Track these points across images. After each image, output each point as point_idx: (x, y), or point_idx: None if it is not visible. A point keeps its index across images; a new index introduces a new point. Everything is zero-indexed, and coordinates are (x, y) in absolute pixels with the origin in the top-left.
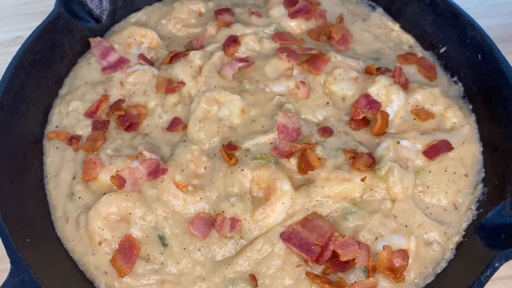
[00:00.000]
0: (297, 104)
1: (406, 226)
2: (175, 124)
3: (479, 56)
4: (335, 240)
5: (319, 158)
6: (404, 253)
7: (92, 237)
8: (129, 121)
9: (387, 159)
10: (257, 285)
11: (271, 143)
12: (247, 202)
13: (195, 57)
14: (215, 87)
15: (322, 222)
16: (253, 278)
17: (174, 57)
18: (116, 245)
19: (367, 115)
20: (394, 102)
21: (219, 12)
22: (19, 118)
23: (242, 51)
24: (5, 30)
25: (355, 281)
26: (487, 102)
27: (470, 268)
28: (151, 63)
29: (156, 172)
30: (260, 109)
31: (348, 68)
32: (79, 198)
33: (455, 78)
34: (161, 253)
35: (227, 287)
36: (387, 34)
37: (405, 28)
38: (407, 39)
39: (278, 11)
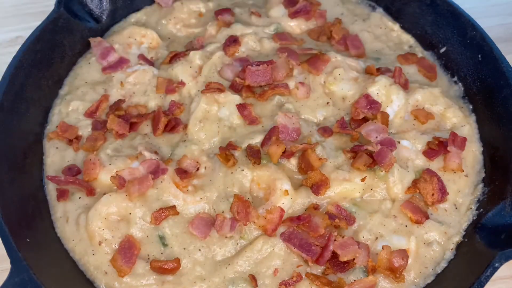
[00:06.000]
0: (297, 104)
1: (406, 226)
2: (175, 124)
3: (479, 56)
4: (335, 240)
5: (319, 158)
6: (403, 253)
7: (92, 237)
8: (129, 121)
9: None
10: (257, 285)
11: None
12: None
13: (195, 57)
14: None
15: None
16: (252, 278)
17: (174, 57)
18: (116, 245)
19: (367, 115)
20: (394, 102)
21: (219, 12)
22: (19, 118)
23: (242, 51)
24: (5, 30)
25: (354, 280)
26: (487, 102)
27: (470, 268)
28: (151, 63)
29: (156, 172)
30: (260, 109)
31: (348, 68)
32: (79, 198)
33: (455, 78)
34: (161, 253)
35: (227, 287)
36: (387, 34)
37: (405, 28)
38: (407, 39)
39: (278, 11)
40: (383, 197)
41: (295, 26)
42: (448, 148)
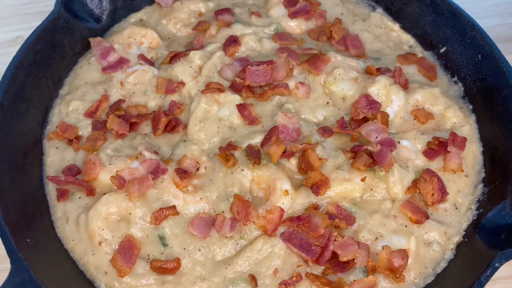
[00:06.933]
0: (297, 104)
1: (406, 226)
2: (175, 124)
3: (479, 56)
4: (335, 240)
5: (319, 158)
6: (403, 253)
7: (92, 237)
8: (129, 121)
9: None
10: (257, 285)
11: None
12: None
13: (195, 57)
14: None
15: None
16: (252, 278)
17: (174, 57)
18: (116, 245)
19: (367, 115)
20: (394, 102)
21: (219, 12)
22: (19, 118)
23: (242, 51)
24: (5, 30)
25: (354, 280)
26: (487, 102)
27: (470, 268)
28: (151, 63)
29: (156, 172)
30: (260, 109)
31: (348, 68)
32: (79, 198)
33: (455, 78)
34: (161, 253)
35: (227, 287)
36: (387, 34)
37: (405, 28)
38: (407, 39)
39: (278, 11)
40: (383, 197)
41: (295, 26)
42: (448, 148)
